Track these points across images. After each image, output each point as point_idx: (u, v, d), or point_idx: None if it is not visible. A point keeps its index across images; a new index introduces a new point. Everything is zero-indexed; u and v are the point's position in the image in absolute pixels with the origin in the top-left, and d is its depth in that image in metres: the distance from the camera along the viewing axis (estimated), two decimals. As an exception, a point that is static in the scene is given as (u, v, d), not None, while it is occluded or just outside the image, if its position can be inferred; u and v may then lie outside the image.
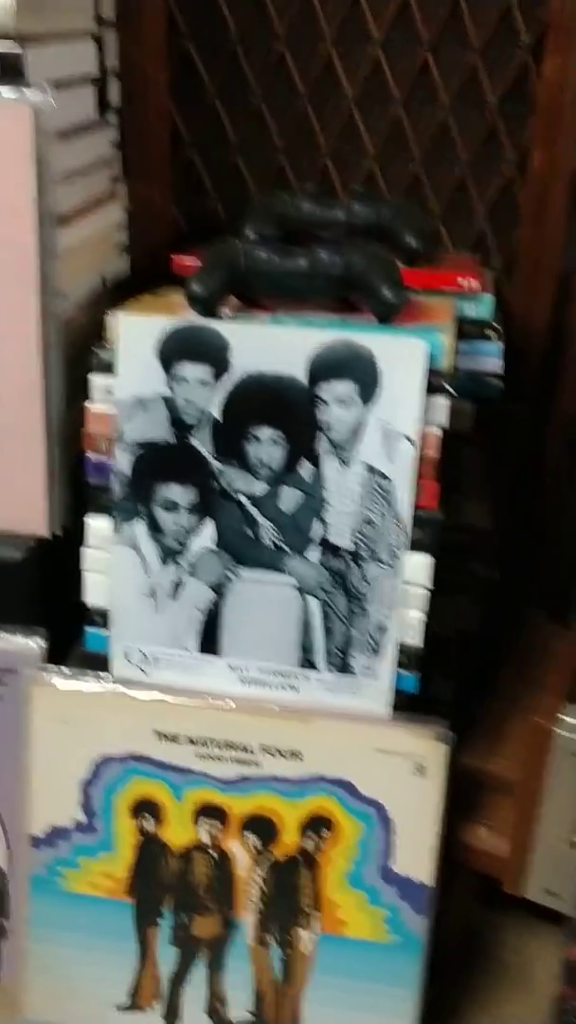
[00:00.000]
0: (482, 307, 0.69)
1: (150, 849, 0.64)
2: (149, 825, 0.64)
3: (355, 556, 0.59)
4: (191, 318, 0.59)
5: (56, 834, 0.65)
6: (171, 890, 0.64)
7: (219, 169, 0.83)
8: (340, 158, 0.81)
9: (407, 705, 0.61)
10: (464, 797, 0.64)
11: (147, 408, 0.59)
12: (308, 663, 0.61)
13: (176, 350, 0.58)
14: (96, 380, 0.60)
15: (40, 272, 0.59)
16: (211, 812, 0.63)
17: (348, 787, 0.61)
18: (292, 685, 0.62)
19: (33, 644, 0.65)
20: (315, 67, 0.78)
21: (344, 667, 0.61)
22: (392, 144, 0.80)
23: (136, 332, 0.58)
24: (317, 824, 0.62)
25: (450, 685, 0.64)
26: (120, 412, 0.59)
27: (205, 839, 0.64)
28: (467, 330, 0.69)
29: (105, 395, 0.60)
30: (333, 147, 0.81)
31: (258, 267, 0.60)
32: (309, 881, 0.63)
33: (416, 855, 0.62)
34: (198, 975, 0.65)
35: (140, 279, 0.79)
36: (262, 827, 0.63)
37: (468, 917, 0.76)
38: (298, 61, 0.79)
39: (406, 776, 0.60)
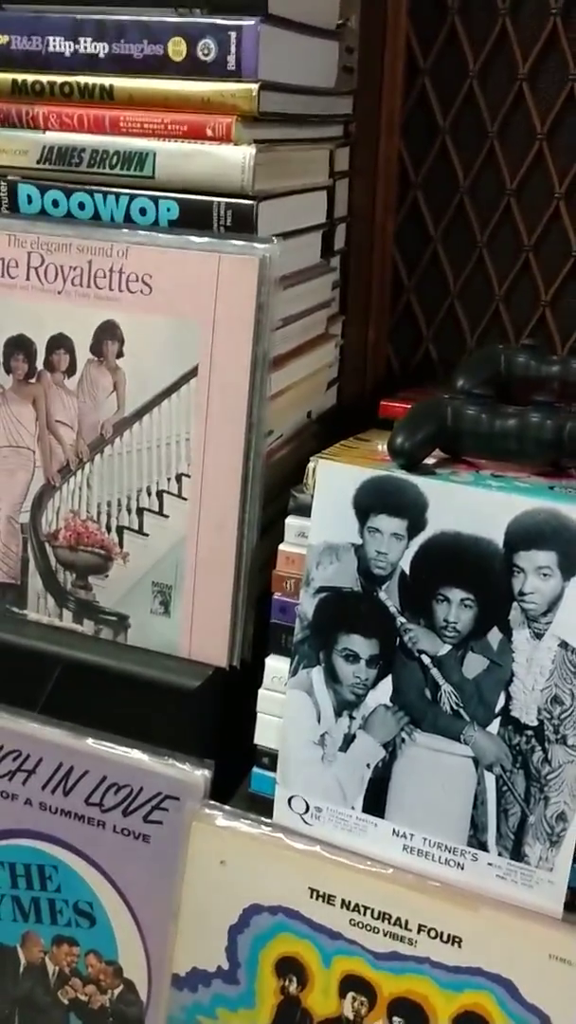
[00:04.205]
0: None
1: (290, 1013, 0.61)
2: (292, 987, 0.61)
3: (539, 735, 0.55)
4: (392, 470, 0.58)
5: (197, 977, 0.63)
6: (308, 1061, 0.61)
7: (436, 314, 0.83)
8: (560, 309, 0.80)
9: (584, 908, 0.55)
10: None
11: (338, 555, 0.58)
12: (477, 842, 0.57)
13: (373, 501, 0.57)
14: (291, 522, 0.60)
15: (250, 413, 0.60)
16: (359, 986, 0.59)
17: (510, 987, 0.56)
18: (458, 863, 0.58)
19: (199, 775, 0.64)
20: (540, 217, 0.78)
21: (517, 853, 0.56)
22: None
23: (335, 479, 0.58)
24: (472, 1022, 0.57)
25: None
26: (311, 557, 0.59)
27: (349, 1014, 0.60)
28: None
29: (298, 537, 0.60)
30: (553, 297, 0.79)
31: (465, 425, 0.58)
32: None
33: (580, 1078, 0.55)
34: None
35: (345, 414, 0.80)
36: (412, 1013, 0.58)
37: None
38: (523, 210, 0.78)
39: (576, 989, 0.54)
